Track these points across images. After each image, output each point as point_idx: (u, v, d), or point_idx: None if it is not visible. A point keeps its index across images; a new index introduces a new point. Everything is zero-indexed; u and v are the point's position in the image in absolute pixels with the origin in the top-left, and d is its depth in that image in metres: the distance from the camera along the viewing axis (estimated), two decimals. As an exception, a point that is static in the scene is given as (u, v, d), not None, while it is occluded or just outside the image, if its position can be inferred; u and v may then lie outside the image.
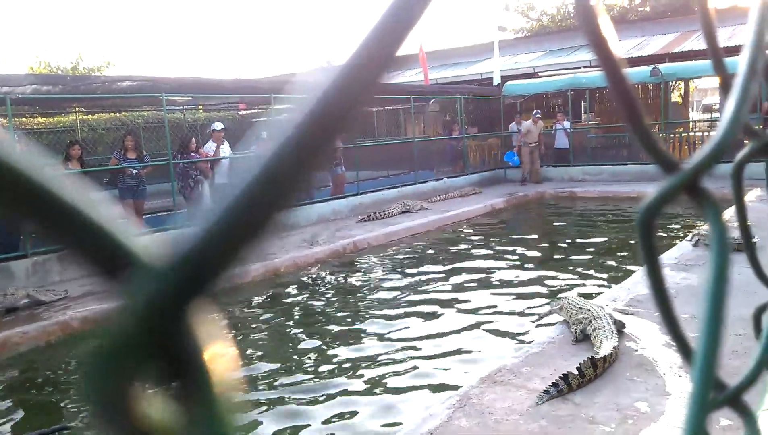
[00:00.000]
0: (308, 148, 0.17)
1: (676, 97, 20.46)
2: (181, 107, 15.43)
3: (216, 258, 0.16)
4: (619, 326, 4.22)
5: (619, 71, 0.32)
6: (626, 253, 8.32)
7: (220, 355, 0.17)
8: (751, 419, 0.47)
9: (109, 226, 0.16)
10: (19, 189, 0.15)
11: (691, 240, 6.99)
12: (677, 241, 7.57)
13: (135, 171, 9.59)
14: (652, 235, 0.34)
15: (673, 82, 17.73)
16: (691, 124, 17.88)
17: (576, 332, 4.23)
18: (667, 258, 6.36)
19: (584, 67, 18.21)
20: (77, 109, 13.87)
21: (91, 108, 14.07)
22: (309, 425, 4.17)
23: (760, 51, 0.39)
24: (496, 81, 17.92)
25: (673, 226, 9.98)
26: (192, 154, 10.32)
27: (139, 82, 9.68)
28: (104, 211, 0.16)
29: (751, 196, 8.83)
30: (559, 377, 3.47)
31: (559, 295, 4.99)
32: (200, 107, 16.73)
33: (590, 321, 4.20)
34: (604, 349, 3.80)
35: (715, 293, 0.31)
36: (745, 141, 0.56)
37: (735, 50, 0.39)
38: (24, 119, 14.45)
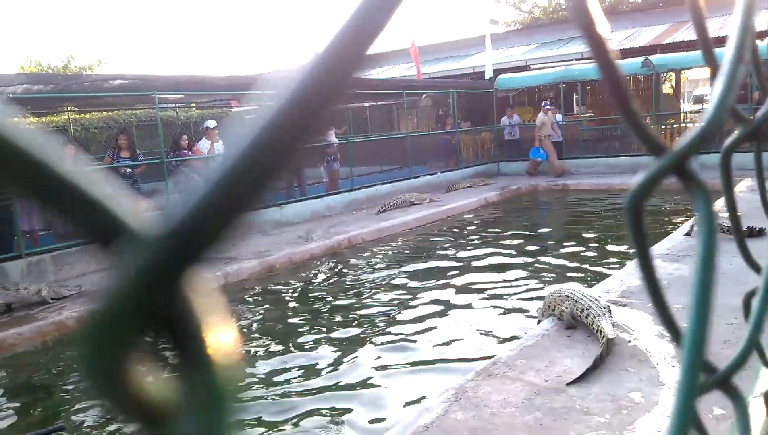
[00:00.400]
0: (280, 143, 0.17)
1: (667, 88, 20.52)
2: (173, 105, 15.37)
3: (208, 226, 0.16)
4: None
5: (609, 56, 0.32)
6: (620, 245, 8.35)
7: (218, 328, 0.17)
8: (741, 403, 0.47)
9: (101, 195, 0.16)
10: (13, 158, 0.15)
11: (686, 230, 7.03)
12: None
13: (129, 170, 9.55)
14: (641, 218, 0.34)
15: (665, 74, 17.78)
16: (682, 115, 17.95)
17: (566, 318, 4.28)
18: (658, 249, 6.38)
19: (576, 59, 18.24)
20: (69, 108, 13.80)
21: (84, 107, 13.99)
22: (304, 418, 4.18)
23: (747, 35, 0.39)
24: (488, 74, 17.93)
25: (660, 220, 10.03)
26: (184, 151, 10.27)
27: (130, 81, 9.62)
28: (97, 182, 0.16)
29: (742, 187, 8.86)
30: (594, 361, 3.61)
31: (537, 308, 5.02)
32: (193, 105, 16.66)
33: (574, 303, 4.26)
34: (607, 329, 3.89)
35: (703, 274, 0.32)
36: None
37: (726, 41, 0.40)
38: (16, 120, 14.33)
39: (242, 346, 5.64)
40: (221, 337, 0.17)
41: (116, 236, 0.16)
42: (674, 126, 16.26)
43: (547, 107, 15.34)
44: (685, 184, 0.34)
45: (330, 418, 4.20)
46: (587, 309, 4.15)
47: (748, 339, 0.46)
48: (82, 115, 15.53)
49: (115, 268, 0.16)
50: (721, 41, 0.43)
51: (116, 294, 0.16)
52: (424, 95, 17.75)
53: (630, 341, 4.00)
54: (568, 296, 4.36)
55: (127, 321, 0.16)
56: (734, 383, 0.48)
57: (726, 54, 0.38)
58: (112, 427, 4.23)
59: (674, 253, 6.16)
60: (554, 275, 7.26)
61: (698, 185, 0.34)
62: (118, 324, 0.16)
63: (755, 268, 0.58)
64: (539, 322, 4.72)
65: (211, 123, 10.74)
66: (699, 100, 28.39)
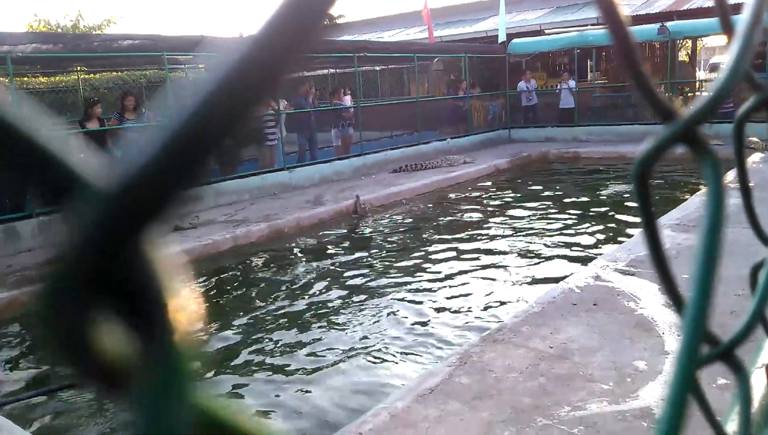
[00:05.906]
0: (235, 101, 0.16)
1: (683, 55, 20.15)
2: (183, 66, 15.27)
3: (169, 178, 0.15)
4: None
5: (620, 20, 0.31)
6: (630, 213, 8.32)
7: (178, 290, 0.16)
8: (743, 375, 0.47)
9: (52, 145, 0.15)
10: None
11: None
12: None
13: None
14: (647, 186, 0.34)
15: (681, 41, 17.43)
16: (697, 83, 17.66)
17: None
18: (668, 219, 6.35)
19: (591, 24, 17.88)
20: (79, 68, 13.74)
21: (93, 67, 13.93)
22: (312, 379, 4.24)
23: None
24: (501, 39, 17.62)
25: (676, 190, 9.96)
26: None
27: (140, 41, 9.55)
28: (47, 131, 0.16)
29: (755, 157, 8.76)
30: None
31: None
32: (202, 66, 16.53)
33: None
34: None
35: (708, 243, 0.31)
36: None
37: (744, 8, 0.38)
38: (25, 78, 14.34)
39: (246, 315, 5.70)
40: (182, 302, 0.16)
41: (68, 189, 0.15)
42: (689, 94, 16.02)
43: None
44: (694, 152, 0.33)
45: (335, 380, 4.25)
46: None
47: (752, 312, 0.45)
48: (92, 75, 15.47)
49: (68, 224, 0.15)
50: (738, 8, 0.41)
51: (68, 253, 0.15)
52: (436, 59, 17.51)
53: (636, 310, 4.00)
54: None
55: (81, 283, 0.15)
56: (737, 356, 0.47)
57: (742, 18, 0.37)
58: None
59: (684, 222, 6.12)
60: (564, 243, 7.25)
61: (707, 154, 0.33)
62: (71, 286, 0.15)
63: (764, 239, 0.57)
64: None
65: None
66: (715, 68, 27.91)
